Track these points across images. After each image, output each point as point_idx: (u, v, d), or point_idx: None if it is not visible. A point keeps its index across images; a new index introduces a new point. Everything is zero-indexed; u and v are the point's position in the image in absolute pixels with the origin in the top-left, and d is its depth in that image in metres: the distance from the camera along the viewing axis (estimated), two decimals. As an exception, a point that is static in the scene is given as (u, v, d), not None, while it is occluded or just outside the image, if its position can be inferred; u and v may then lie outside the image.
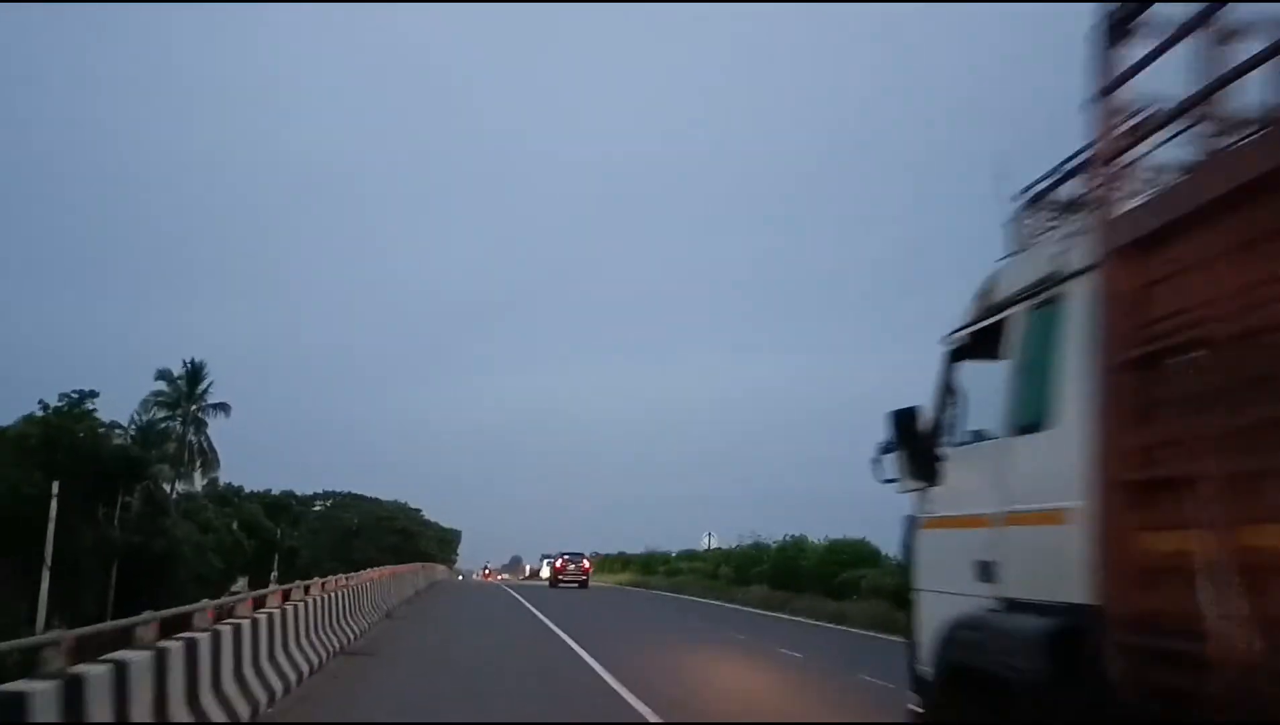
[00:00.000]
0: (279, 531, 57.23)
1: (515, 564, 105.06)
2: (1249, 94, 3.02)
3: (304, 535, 61.39)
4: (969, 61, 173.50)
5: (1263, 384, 2.56)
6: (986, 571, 4.45)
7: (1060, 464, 3.74)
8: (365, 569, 23.96)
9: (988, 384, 4.72)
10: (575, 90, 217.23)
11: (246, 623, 9.21)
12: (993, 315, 4.75)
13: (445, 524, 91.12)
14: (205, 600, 7.99)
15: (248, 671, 9.02)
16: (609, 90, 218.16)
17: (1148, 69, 3.31)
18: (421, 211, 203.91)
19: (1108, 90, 3.45)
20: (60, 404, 36.47)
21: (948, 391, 5.20)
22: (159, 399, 46.33)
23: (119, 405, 45.91)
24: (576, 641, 17.32)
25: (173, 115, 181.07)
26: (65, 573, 33.42)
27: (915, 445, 5.20)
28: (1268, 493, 2.54)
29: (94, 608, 33.74)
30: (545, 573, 53.82)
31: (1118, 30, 3.39)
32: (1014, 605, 4.17)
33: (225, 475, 59.73)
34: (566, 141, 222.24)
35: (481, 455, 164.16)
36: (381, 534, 64.03)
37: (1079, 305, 3.81)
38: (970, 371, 5.12)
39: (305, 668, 11.55)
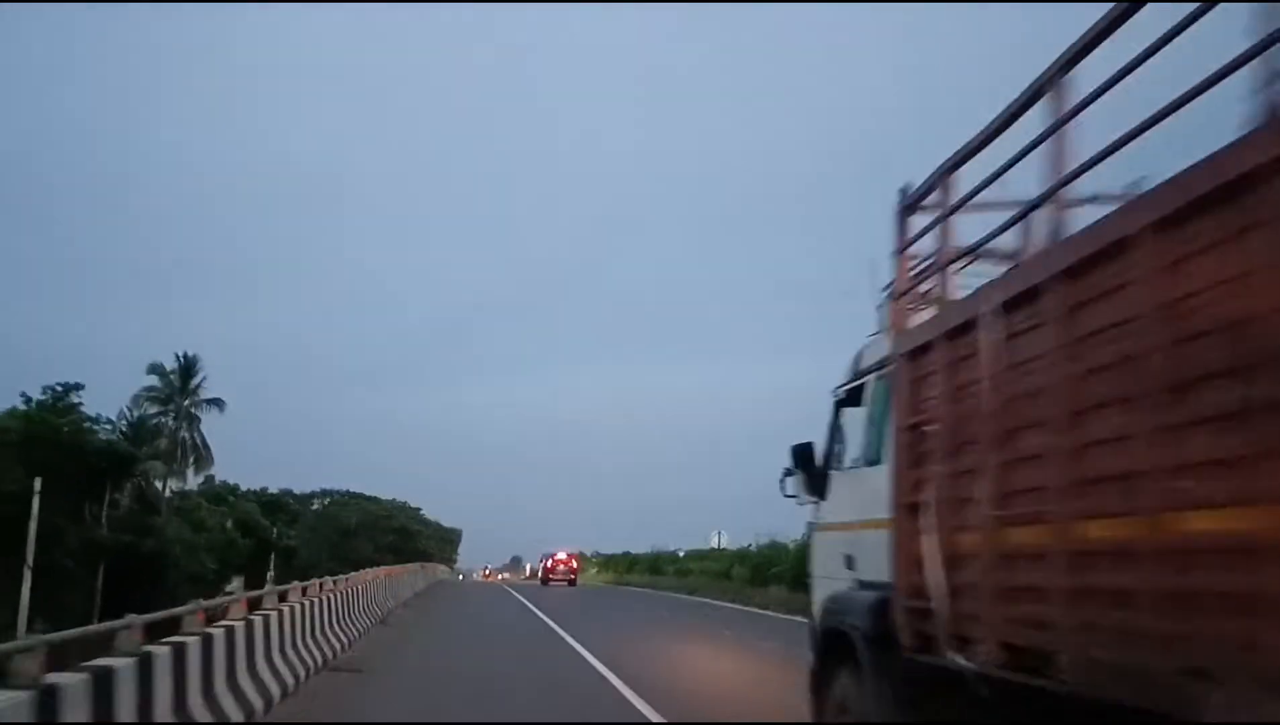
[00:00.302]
0: (275, 530, 55.53)
1: (516, 564, 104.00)
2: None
3: (302, 534, 59.64)
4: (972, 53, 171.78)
5: (962, 447, 4.16)
6: (850, 562, 6.06)
7: (885, 489, 5.08)
8: (362, 569, 22.90)
9: (858, 427, 6.29)
10: (569, 92, 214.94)
11: (194, 642, 7.54)
12: (859, 379, 6.36)
13: (446, 523, 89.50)
14: (131, 616, 6.32)
15: (193, 701, 7.35)
16: (602, 92, 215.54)
17: (928, 234, 4.89)
18: (428, 213, 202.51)
19: (901, 249, 5.14)
20: (44, 397, 34.85)
21: (835, 430, 6.73)
22: (150, 394, 44.46)
23: (111, 401, 44.35)
24: (602, 660, 14.44)
25: (173, 112, 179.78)
26: (49, 574, 31.84)
27: (810, 470, 6.82)
28: (958, 515, 4.19)
29: (81, 611, 32.18)
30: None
31: (909, 208, 5.02)
32: (863, 585, 5.70)
33: (221, 473, 58.27)
34: (564, 146, 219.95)
35: (484, 455, 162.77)
36: (380, 533, 62.21)
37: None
38: (849, 416, 6.59)
39: (276, 691, 9.86)
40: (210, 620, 8.83)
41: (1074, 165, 3.41)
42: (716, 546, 51.78)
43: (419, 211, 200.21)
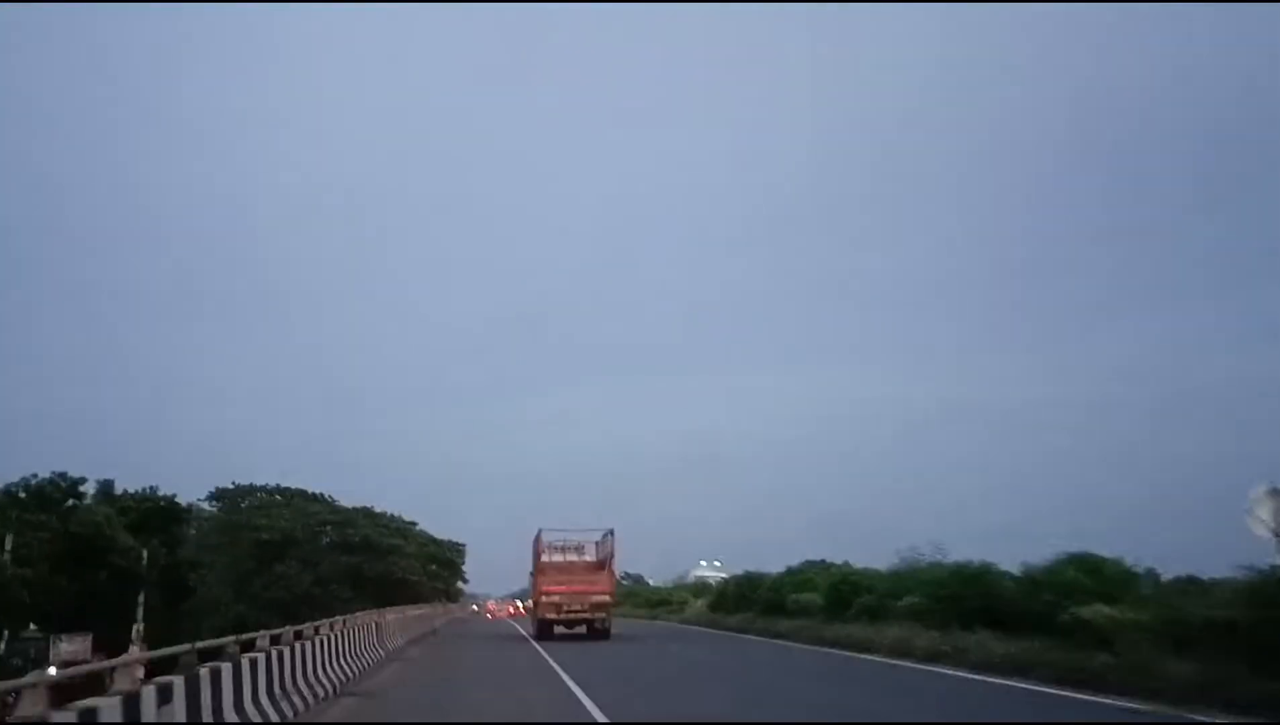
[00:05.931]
0: (144, 553, 33.68)
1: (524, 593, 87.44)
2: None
3: (196, 553, 37.02)
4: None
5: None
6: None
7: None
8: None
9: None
10: (583, 111, 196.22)
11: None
12: (533, 556, 37.70)
13: (444, 537, 66.38)
14: None
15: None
16: (617, 110, 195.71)
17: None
18: (436, 233, 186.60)
19: (533, 546, 37.28)
20: None
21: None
22: None
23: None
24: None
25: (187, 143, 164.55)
26: None
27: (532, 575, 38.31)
28: (537, 593, 37.31)
29: None
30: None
31: (535, 541, 37.13)
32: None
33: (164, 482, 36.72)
34: (575, 158, 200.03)
35: (492, 465, 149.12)
36: (326, 552, 39.20)
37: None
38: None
39: None
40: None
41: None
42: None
43: (430, 235, 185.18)
